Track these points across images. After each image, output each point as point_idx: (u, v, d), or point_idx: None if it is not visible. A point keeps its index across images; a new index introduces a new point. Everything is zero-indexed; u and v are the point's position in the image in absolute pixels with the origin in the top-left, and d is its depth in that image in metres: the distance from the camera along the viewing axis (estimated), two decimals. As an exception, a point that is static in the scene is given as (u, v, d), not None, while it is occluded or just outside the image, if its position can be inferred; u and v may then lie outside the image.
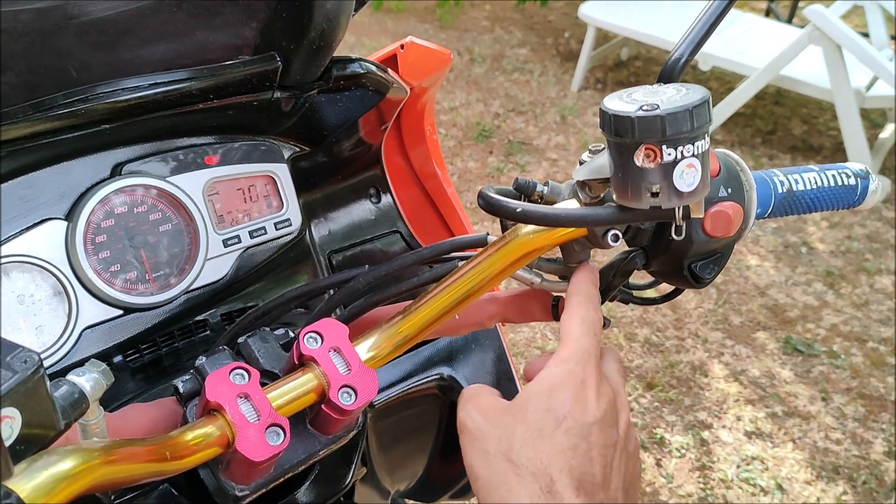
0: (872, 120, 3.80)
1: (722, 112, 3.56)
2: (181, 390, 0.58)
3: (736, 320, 2.60)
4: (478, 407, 0.54)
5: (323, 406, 0.57)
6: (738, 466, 2.07)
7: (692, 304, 2.66)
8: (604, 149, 0.53)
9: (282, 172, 0.80)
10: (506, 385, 0.90)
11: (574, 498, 0.48)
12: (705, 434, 2.17)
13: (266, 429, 0.53)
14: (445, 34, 4.51)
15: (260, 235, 0.78)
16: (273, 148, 0.80)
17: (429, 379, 0.86)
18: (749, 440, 2.16)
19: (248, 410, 0.53)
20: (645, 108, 0.48)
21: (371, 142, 0.91)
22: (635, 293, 0.66)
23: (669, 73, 0.54)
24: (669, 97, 0.49)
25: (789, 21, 4.48)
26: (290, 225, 0.80)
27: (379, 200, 0.97)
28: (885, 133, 3.60)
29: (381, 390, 0.84)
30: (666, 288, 0.64)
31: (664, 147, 0.48)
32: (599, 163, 0.53)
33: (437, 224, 1.00)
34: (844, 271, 2.86)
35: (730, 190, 0.58)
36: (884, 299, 2.72)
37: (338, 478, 0.70)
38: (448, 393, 0.88)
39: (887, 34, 3.67)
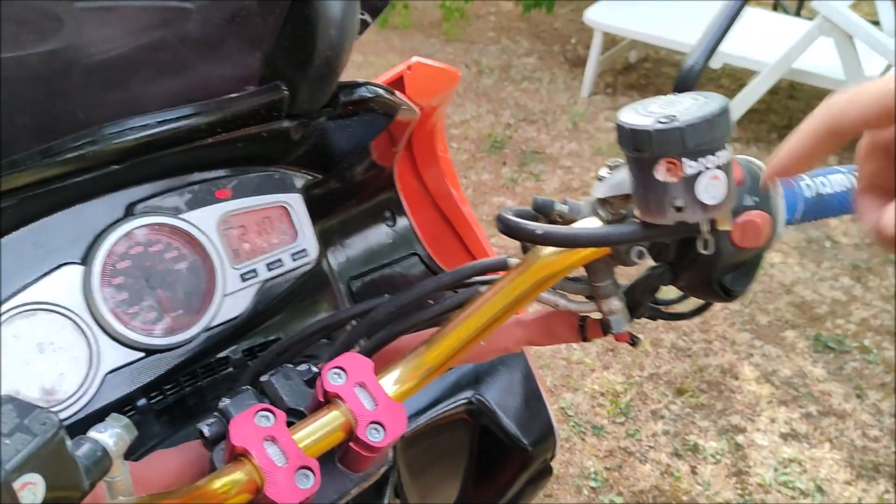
0: (889, 108, 3.75)
1: (736, 109, 3.52)
2: (207, 434, 0.57)
3: (763, 320, 2.56)
4: None
5: (351, 444, 0.55)
6: (776, 470, 2.03)
7: (718, 306, 2.62)
8: (623, 164, 0.52)
9: (295, 202, 0.79)
10: (534, 405, 0.88)
11: None
12: (740, 438, 2.13)
13: (295, 472, 0.52)
14: (452, 47, 4.51)
15: (277, 267, 0.77)
16: (285, 177, 0.79)
17: (457, 403, 0.85)
18: (785, 442, 2.12)
19: (275, 454, 0.52)
20: (662, 120, 0.46)
21: (383, 164, 0.90)
22: (664, 308, 0.64)
23: (685, 81, 0.53)
24: (687, 107, 0.47)
25: (797, 14, 4.44)
26: (307, 255, 0.79)
27: (395, 223, 0.96)
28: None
29: (409, 418, 0.82)
30: (696, 300, 0.63)
31: (685, 160, 0.46)
32: (619, 178, 0.52)
33: (456, 244, 0.98)
34: (871, 263, 2.81)
35: (756, 199, 0.56)
36: (913, 290, 2.68)
37: (369, 513, 0.69)
38: (477, 416, 0.86)
39: (898, 21, 3.63)
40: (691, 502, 1.95)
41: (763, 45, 3.51)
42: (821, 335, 2.48)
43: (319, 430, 0.54)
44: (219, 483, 0.50)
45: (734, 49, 3.49)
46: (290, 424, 0.56)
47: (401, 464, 0.82)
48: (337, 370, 0.56)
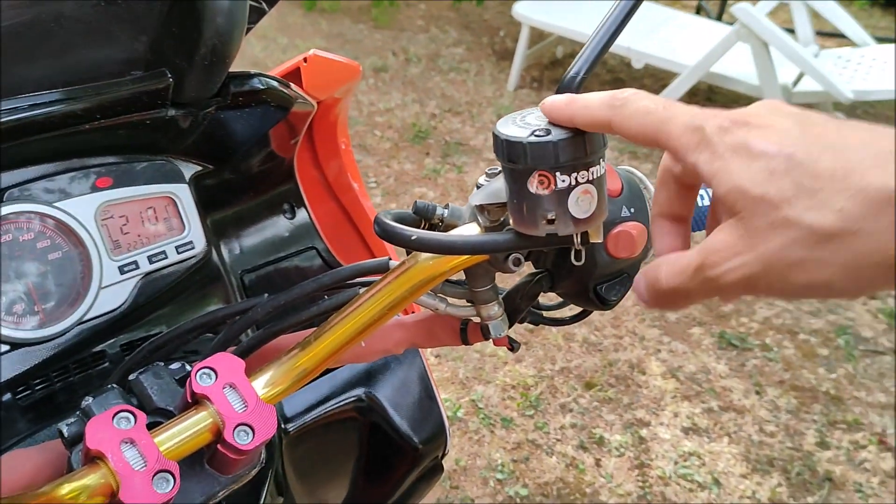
0: (800, 115, 3.89)
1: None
2: (66, 434, 0.54)
3: (672, 317, 2.63)
4: None
5: (219, 446, 0.54)
6: (676, 463, 2.09)
7: (629, 302, 2.68)
8: (500, 172, 0.52)
9: (182, 193, 0.76)
10: (426, 403, 0.88)
11: None
12: (643, 432, 2.18)
13: (153, 475, 0.50)
14: (381, 34, 4.47)
15: (160, 260, 0.75)
16: (172, 167, 0.76)
17: (347, 401, 0.84)
18: (686, 436, 2.18)
19: (133, 457, 0.50)
20: (538, 133, 0.46)
21: (282, 156, 0.88)
22: (545, 314, 0.65)
23: (566, 91, 0.53)
24: (564, 120, 0.47)
25: (719, 18, 4.56)
26: (193, 248, 0.77)
27: (294, 216, 0.94)
28: (813, 127, 3.68)
29: (296, 416, 0.81)
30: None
31: (558, 174, 0.46)
32: (496, 186, 0.51)
33: (355, 239, 0.97)
34: (776, 264, 2.92)
35: (633, 209, 0.57)
36: (813, 291, 2.79)
37: (244, 515, 0.68)
38: (367, 414, 0.85)
39: (812, 30, 3.76)
40: (594, 494, 1.99)
41: (684, 47, 3.59)
42: (725, 332, 2.56)
43: (184, 431, 0.52)
44: (68, 488, 0.47)
45: (656, 50, 3.57)
46: (156, 425, 0.54)
47: (287, 462, 0.81)
48: (207, 370, 0.54)
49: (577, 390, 2.31)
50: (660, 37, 3.67)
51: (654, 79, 4.19)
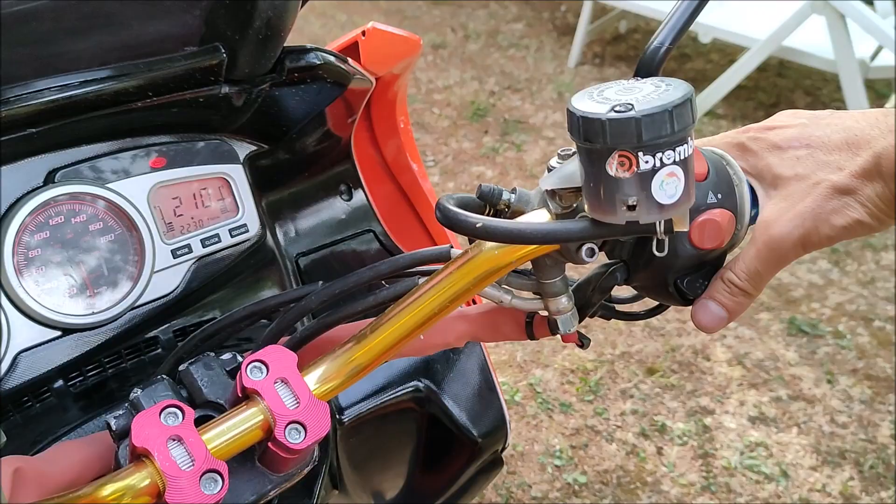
0: (877, 90, 3.71)
1: (723, 85, 3.47)
2: (113, 427, 0.52)
3: (738, 301, 2.53)
4: None
5: (270, 445, 0.51)
6: (742, 453, 2.02)
7: (693, 285, 2.60)
8: (575, 153, 0.47)
9: (236, 174, 0.73)
10: (486, 395, 0.84)
11: None
12: (708, 420, 2.11)
13: (201, 476, 0.47)
14: (439, 10, 4.41)
15: (213, 244, 0.72)
16: (226, 147, 0.74)
17: (404, 391, 0.81)
18: (753, 426, 2.11)
19: (180, 455, 0.48)
20: (618, 108, 0.42)
21: (339, 135, 0.84)
22: (618, 307, 0.60)
23: (648, 64, 0.48)
24: (646, 95, 0.43)
25: (792, -10, 4.37)
26: (248, 231, 0.74)
27: (350, 198, 0.91)
28: (890, 103, 3.51)
29: (351, 406, 0.78)
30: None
31: (640, 154, 0.42)
32: (570, 170, 0.47)
33: (414, 223, 0.93)
34: (850, 248, 2.79)
35: (720, 195, 0.51)
36: (889, 276, 2.65)
37: (298, 510, 0.65)
38: (425, 405, 0.82)
39: (892, 2, 3.57)
40: (655, 483, 1.93)
41: (754, 20, 3.44)
42: (795, 318, 2.46)
43: (234, 429, 0.50)
44: (112, 487, 0.45)
45: (725, 23, 3.43)
46: (206, 419, 0.52)
47: (341, 453, 0.78)
48: (257, 364, 0.52)
49: (638, 376, 2.25)
50: (728, 9, 3.53)
51: (722, 54, 4.04)
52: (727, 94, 3.53)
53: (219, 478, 0.47)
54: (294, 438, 0.50)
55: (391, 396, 0.79)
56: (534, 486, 1.92)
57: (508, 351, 2.32)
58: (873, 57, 3.25)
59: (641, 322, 2.43)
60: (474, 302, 0.82)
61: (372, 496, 0.89)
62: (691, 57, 4.05)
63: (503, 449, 0.87)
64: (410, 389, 0.80)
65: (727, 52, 3.97)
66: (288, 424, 0.50)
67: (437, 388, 0.81)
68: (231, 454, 0.50)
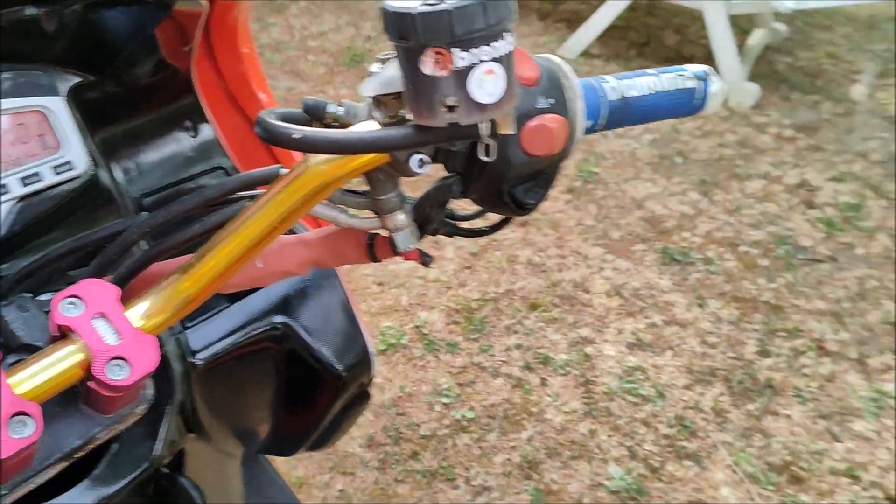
0: (740, 26, 3.85)
1: (596, 26, 3.52)
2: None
3: (615, 234, 2.61)
4: None
5: (89, 383, 0.48)
6: (621, 378, 2.10)
7: (573, 222, 2.65)
8: (394, 57, 0.45)
9: (56, 106, 0.67)
10: (348, 329, 0.82)
11: None
12: (588, 349, 2.18)
13: (8, 419, 0.44)
14: (311, -48, 4.26)
15: (35, 182, 0.66)
16: (43, 78, 0.67)
17: (261, 330, 0.78)
18: (630, 352, 2.19)
19: (-16, 401, 0.44)
20: (430, 2, 0.40)
21: (175, 65, 0.79)
22: (460, 224, 0.59)
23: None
24: (462, -10, 0.41)
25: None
26: (73, 168, 0.68)
27: (196, 133, 0.86)
28: (753, 39, 3.65)
29: (205, 347, 0.75)
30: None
31: (455, 50, 0.40)
32: (389, 74, 0.45)
33: (265, 155, 0.90)
34: (718, 178, 2.91)
35: (552, 101, 0.50)
36: (754, 203, 2.79)
37: (141, 454, 0.62)
38: (284, 342, 0.79)
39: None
40: (540, 413, 1.99)
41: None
42: (668, 248, 2.55)
43: (47, 368, 0.46)
44: None
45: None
46: (16, 364, 0.48)
47: (199, 397, 0.75)
48: (72, 299, 0.48)
49: (521, 312, 2.29)
50: (599, -52, 3.56)
51: (595, -7, 4.09)
52: (600, 35, 3.58)
53: (29, 420, 0.44)
54: (116, 375, 0.47)
55: (247, 335, 0.76)
56: (422, 424, 1.94)
57: (394, 295, 2.32)
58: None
59: (524, 259, 2.47)
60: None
61: (237, 439, 0.86)
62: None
63: (369, 382, 0.86)
64: (267, 327, 0.78)
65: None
66: (109, 360, 0.47)
67: (295, 324, 0.79)
68: (47, 396, 0.46)
